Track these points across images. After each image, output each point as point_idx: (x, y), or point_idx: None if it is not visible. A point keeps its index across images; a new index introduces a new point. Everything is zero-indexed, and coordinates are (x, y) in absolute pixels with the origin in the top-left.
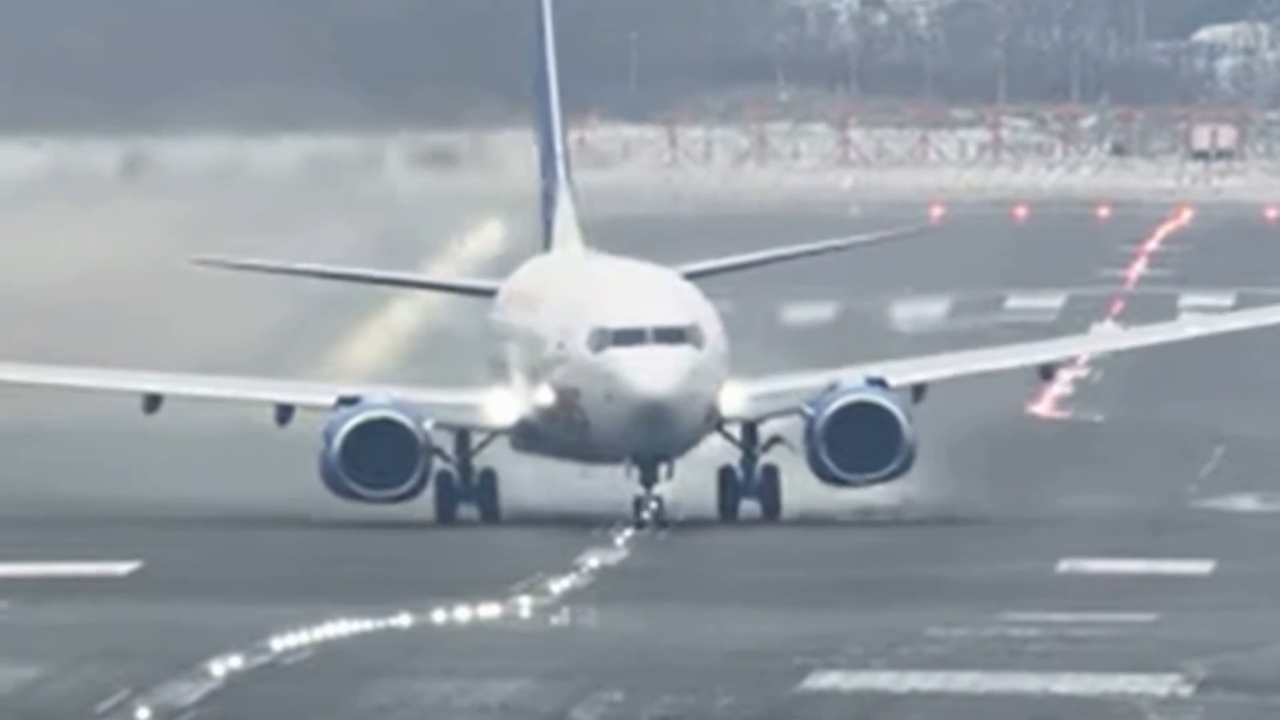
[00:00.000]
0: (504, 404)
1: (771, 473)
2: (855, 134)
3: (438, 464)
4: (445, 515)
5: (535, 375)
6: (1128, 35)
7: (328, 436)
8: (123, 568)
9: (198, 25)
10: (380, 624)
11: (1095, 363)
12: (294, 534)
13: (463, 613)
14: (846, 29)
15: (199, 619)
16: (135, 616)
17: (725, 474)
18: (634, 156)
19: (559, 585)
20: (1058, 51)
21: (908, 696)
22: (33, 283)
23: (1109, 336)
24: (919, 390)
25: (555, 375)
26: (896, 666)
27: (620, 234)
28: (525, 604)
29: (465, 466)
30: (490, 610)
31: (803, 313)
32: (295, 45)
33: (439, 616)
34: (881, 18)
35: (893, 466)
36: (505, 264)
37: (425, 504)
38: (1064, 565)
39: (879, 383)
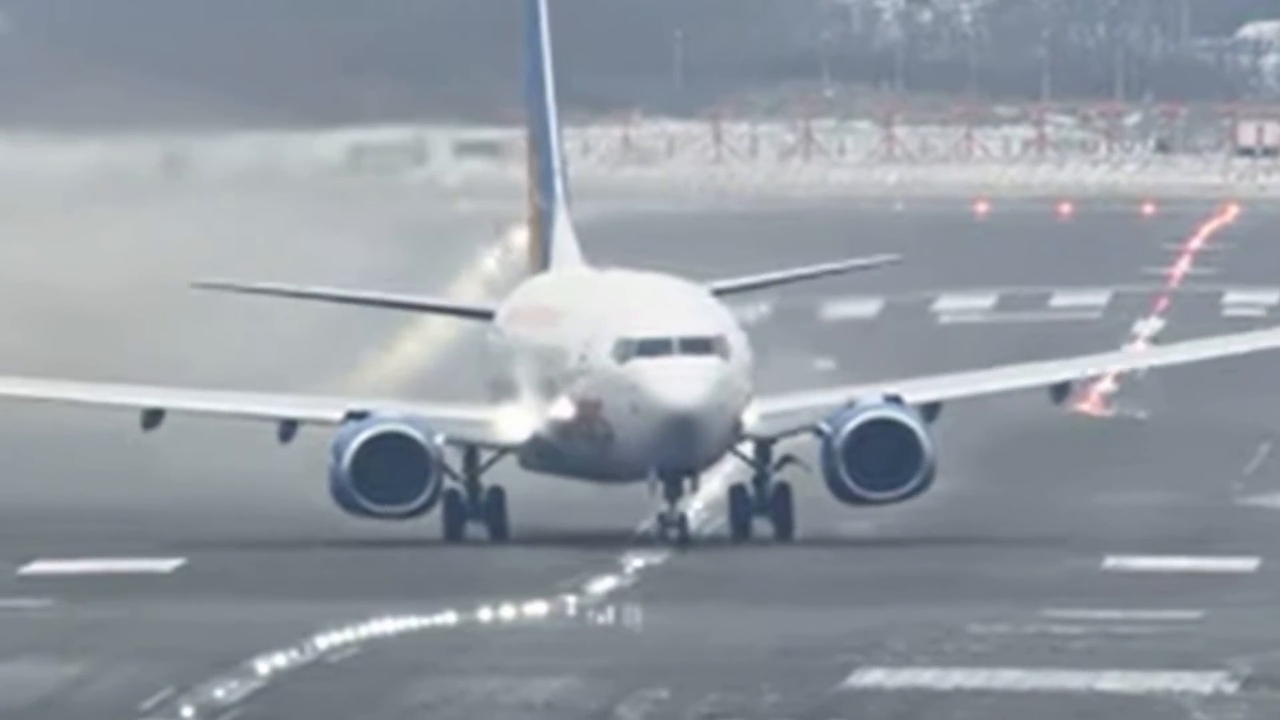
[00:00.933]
0: (516, 420)
1: (784, 491)
2: (900, 130)
3: (447, 482)
4: (453, 534)
5: (552, 389)
6: (1172, 32)
7: (337, 451)
8: (166, 565)
9: (240, 22)
10: (425, 622)
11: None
12: (338, 532)
13: (508, 611)
14: (892, 26)
15: (243, 617)
16: (179, 614)
17: (736, 492)
18: (679, 153)
19: (604, 584)
20: (1102, 48)
21: (951, 693)
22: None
23: (1128, 356)
24: (932, 409)
25: (577, 388)
26: (940, 663)
27: (662, 230)
28: (571, 602)
29: (473, 484)
30: (536, 608)
31: (847, 309)
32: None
33: (484, 614)
34: (926, 14)
35: (913, 484)
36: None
37: (433, 522)
38: (1109, 562)
39: (896, 400)
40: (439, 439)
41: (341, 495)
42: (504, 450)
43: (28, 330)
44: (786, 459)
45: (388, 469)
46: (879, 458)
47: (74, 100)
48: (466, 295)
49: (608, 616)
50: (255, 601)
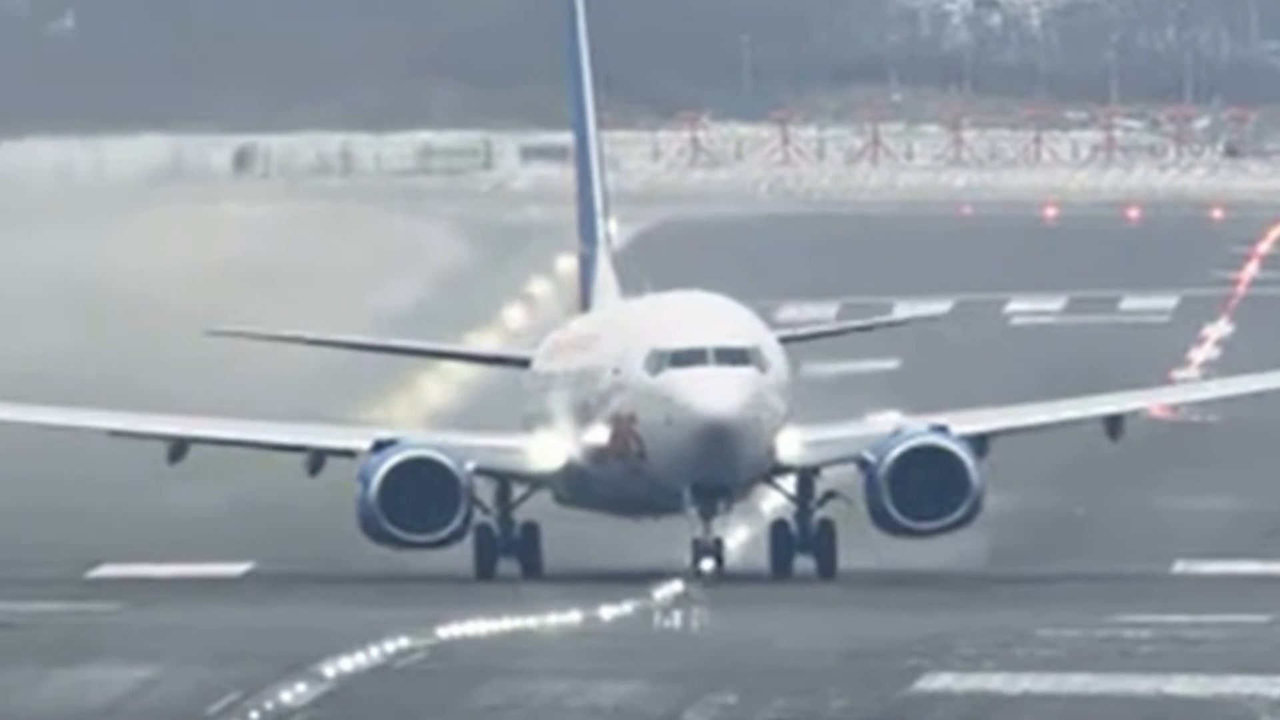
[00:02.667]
0: (550, 448)
1: (827, 527)
2: (969, 134)
3: (478, 515)
4: (484, 570)
5: (587, 411)
6: (1241, 36)
7: (364, 479)
8: (235, 569)
9: (311, 26)
10: (493, 625)
11: (1206, 364)
12: None
13: (575, 615)
14: (960, 29)
15: (310, 620)
16: (247, 618)
17: (778, 528)
18: (747, 156)
19: (673, 588)
20: (1171, 52)
21: (1020, 698)
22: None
23: (1177, 390)
24: (981, 443)
25: (611, 404)
26: (1009, 668)
27: (730, 232)
28: (639, 606)
29: (506, 519)
30: (604, 612)
31: (917, 310)
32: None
33: (552, 618)
34: (995, 18)
35: (959, 513)
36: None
37: (464, 557)
38: (1178, 566)
39: (943, 429)
40: (469, 466)
41: (369, 524)
42: (537, 481)
43: (100, 324)
44: (830, 494)
45: (416, 496)
46: (924, 486)
47: (143, 99)
48: (542, 300)
49: (676, 620)
50: (323, 605)
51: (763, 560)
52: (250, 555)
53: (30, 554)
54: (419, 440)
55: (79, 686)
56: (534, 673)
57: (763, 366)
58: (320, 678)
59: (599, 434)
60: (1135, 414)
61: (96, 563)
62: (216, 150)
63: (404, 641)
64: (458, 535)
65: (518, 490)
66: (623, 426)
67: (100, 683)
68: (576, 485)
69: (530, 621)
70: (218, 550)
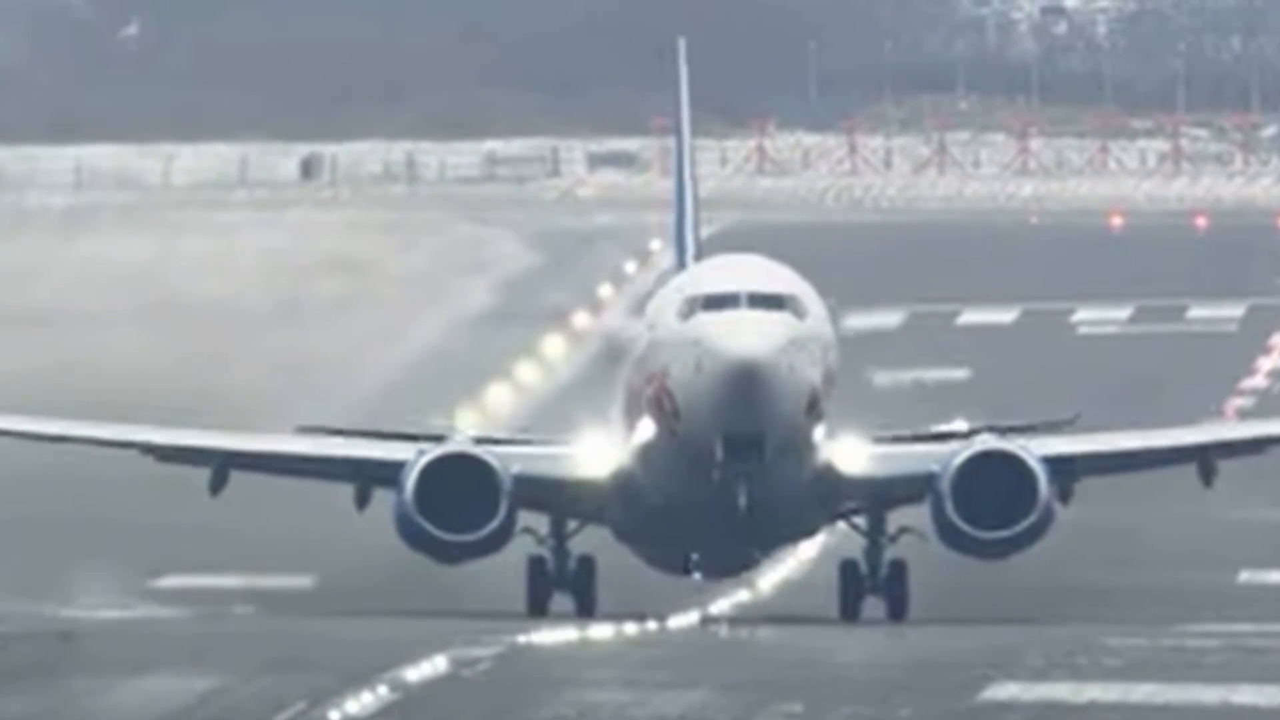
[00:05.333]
0: (598, 452)
1: (899, 568)
2: (1035, 143)
3: (531, 546)
4: (537, 606)
5: (632, 397)
6: None
7: (400, 480)
8: (301, 580)
9: (377, 35)
10: (559, 635)
11: (1273, 373)
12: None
13: (644, 625)
14: (1026, 38)
15: (376, 630)
16: (312, 628)
17: (848, 568)
18: (814, 165)
19: (739, 598)
20: (1237, 60)
21: (1086, 707)
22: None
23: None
24: (1067, 487)
25: (647, 366)
26: (1075, 677)
27: (797, 240)
28: (706, 616)
29: (560, 551)
30: (671, 623)
31: (984, 317)
32: (471, 53)
33: (619, 628)
34: (1061, 27)
35: (1029, 521)
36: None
37: (516, 591)
38: (1243, 576)
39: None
40: (514, 468)
41: (406, 525)
42: (586, 493)
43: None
44: (903, 530)
45: (455, 495)
46: (990, 495)
47: (209, 107)
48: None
49: (744, 631)
50: (389, 615)
51: (830, 602)
52: (315, 567)
53: (94, 563)
54: (458, 438)
55: (143, 696)
56: (599, 682)
57: (800, 314)
58: (386, 687)
59: (635, 408)
60: (1229, 449)
61: (161, 572)
62: (283, 158)
63: (469, 651)
64: (498, 538)
65: (573, 523)
66: (657, 386)
67: (165, 692)
68: (627, 496)
69: (599, 631)
70: (282, 562)
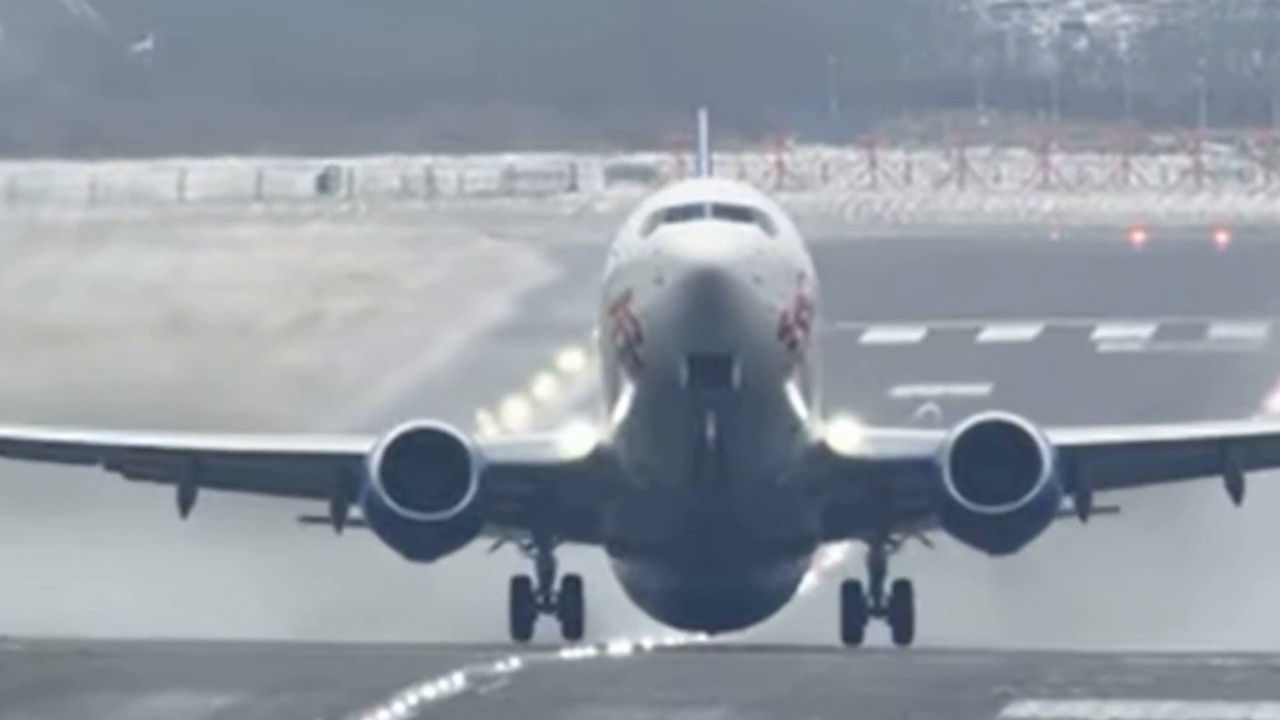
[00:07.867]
0: (577, 434)
1: (903, 589)
2: (1056, 158)
3: (514, 568)
4: (520, 629)
5: (607, 337)
6: None
7: (366, 460)
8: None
9: (393, 48)
10: (577, 653)
11: None
12: (488, 560)
13: (662, 642)
14: (1047, 53)
15: (393, 647)
16: (330, 645)
17: (850, 590)
18: (833, 179)
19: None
20: (1259, 76)
21: None
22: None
23: None
24: (1083, 503)
25: (610, 295)
26: (1097, 695)
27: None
28: (725, 634)
29: (546, 569)
30: (690, 639)
31: (1005, 333)
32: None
33: (637, 646)
34: (1082, 42)
35: (1031, 495)
36: None
37: (499, 614)
38: (1266, 592)
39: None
40: (492, 457)
41: (372, 506)
42: (564, 477)
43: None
44: (905, 536)
45: (422, 471)
46: (990, 468)
47: (224, 121)
48: None
49: (762, 648)
50: (405, 632)
51: (831, 626)
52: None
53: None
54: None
55: (162, 713)
56: (618, 700)
57: (769, 230)
58: (404, 705)
59: (611, 359)
60: (1249, 447)
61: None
62: (299, 173)
63: (488, 668)
64: (469, 519)
65: (559, 546)
66: (620, 314)
67: (183, 710)
68: (606, 478)
69: (616, 649)
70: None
